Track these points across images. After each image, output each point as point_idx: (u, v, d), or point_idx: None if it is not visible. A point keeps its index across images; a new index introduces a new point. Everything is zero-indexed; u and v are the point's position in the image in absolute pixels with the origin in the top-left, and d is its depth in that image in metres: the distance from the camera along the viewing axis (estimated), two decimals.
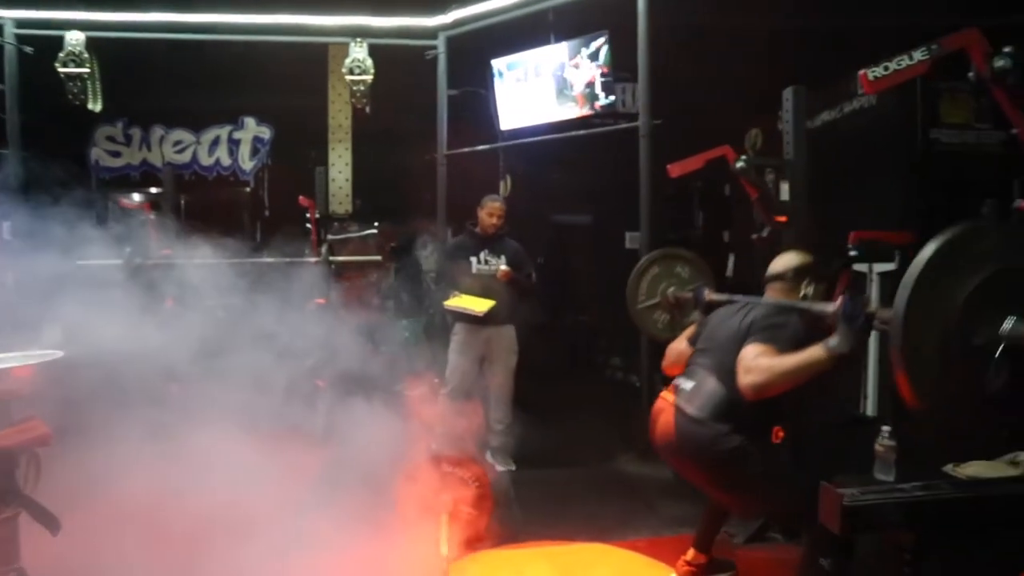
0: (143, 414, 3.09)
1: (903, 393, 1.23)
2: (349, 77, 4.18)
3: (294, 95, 5.42)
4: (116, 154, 5.27)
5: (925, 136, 3.42)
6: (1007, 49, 1.38)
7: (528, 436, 3.28)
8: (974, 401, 1.23)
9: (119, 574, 2.10)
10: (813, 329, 1.73)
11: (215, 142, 5.29)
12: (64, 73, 4.02)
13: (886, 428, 1.68)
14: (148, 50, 4.47)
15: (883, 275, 3.72)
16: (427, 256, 5.81)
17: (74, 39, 4.05)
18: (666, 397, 1.97)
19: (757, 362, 1.68)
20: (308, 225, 4.58)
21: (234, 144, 5.31)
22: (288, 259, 3.94)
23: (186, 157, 5.27)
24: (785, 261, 1.99)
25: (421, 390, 3.24)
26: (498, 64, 4.57)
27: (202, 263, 3.76)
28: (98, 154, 5.28)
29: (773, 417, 1.79)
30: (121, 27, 4.27)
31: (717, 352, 1.89)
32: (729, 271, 4.63)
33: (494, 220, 3.26)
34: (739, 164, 2.48)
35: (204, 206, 4.91)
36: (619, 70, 4.14)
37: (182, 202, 4.85)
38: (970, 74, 1.42)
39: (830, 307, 1.65)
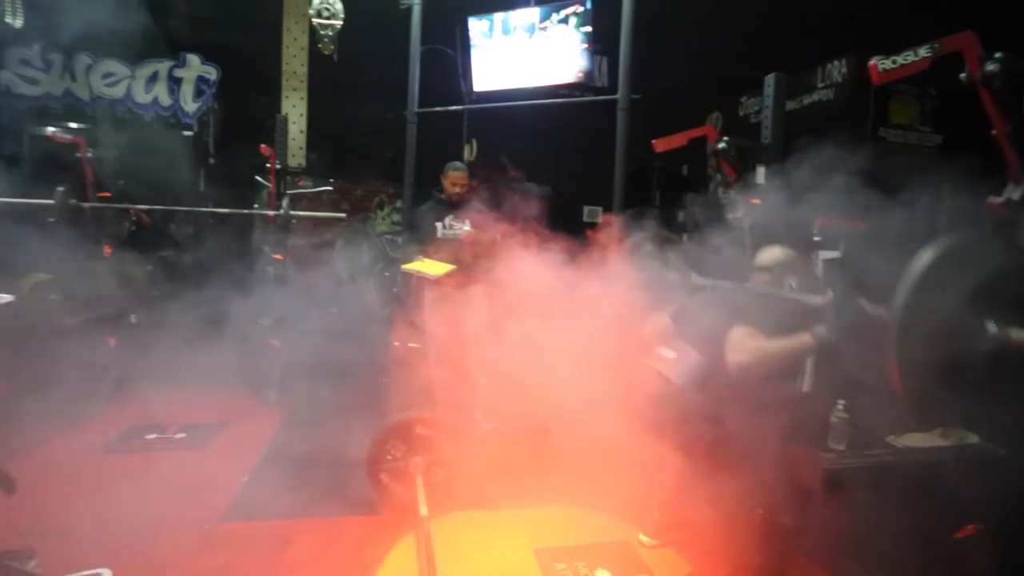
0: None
1: (891, 379, 1.35)
2: (317, 20, 3.91)
3: (243, 35, 4.99)
4: (33, 81, 4.63)
5: (874, 133, 3.71)
6: (998, 55, 1.49)
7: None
8: (950, 392, 1.38)
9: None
10: (797, 319, 1.78)
11: (153, 78, 4.75)
12: None
13: (841, 401, 1.82)
14: None
15: (828, 262, 4.03)
16: (383, 217, 5.65)
17: None
18: (646, 363, 2.02)
19: (746, 342, 1.74)
20: (258, 177, 4.29)
21: (175, 83, 4.80)
22: (246, 211, 3.68)
23: (119, 92, 4.71)
24: (771, 255, 2.04)
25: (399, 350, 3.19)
26: (474, 23, 4.44)
27: (150, 210, 3.47)
28: (9, 78, 4.65)
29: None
30: None
31: (700, 329, 1.92)
32: None
33: (456, 189, 3.34)
34: (721, 145, 2.56)
35: (139, 148, 4.47)
36: (596, 43, 4.13)
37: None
38: (962, 75, 1.53)
39: (819, 299, 1.72)
